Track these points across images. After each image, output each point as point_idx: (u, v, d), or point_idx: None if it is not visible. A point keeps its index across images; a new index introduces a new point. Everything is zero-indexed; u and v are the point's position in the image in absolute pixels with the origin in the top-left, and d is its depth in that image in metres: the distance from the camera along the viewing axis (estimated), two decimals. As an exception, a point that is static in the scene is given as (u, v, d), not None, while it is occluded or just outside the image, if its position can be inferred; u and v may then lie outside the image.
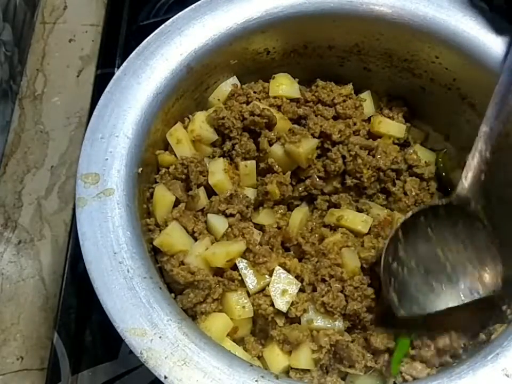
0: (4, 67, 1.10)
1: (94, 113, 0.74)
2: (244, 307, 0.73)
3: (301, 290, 0.75)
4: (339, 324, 0.73)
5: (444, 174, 0.87)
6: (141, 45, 0.78)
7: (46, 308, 0.96)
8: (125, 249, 0.66)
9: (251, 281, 0.74)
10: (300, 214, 0.81)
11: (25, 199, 1.06)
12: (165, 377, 0.59)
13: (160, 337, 0.61)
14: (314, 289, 0.75)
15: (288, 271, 0.75)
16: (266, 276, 0.74)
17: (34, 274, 0.99)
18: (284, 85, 0.86)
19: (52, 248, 1.01)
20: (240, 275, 0.74)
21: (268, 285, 0.74)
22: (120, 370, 0.83)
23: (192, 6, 0.80)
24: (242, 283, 0.74)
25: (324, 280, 0.75)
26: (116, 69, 1.08)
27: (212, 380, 0.59)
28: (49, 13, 1.27)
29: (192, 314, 0.73)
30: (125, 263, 0.65)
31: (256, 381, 0.60)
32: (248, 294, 0.74)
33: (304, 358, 0.72)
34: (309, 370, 0.72)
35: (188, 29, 0.79)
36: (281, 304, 0.72)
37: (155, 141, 0.79)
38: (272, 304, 0.73)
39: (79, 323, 0.88)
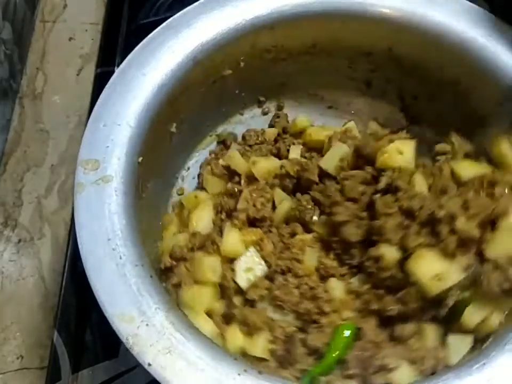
0: (4, 66, 1.10)
1: (98, 102, 0.74)
2: (214, 271, 0.73)
3: (268, 278, 0.75)
4: (290, 319, 0.72)
5: None
6: (147, 37, 0.78)
7: (46, 306, 0.96)
8: (119, 236, 0.66)
9: (226, 244, 0.75)
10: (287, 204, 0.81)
11: (25, 197, 1.06)
12: (149, 364, 0.59)
13: (147, 324, 0.61)
14: (273, 280, 0.75)
15: (262, 252, 0.75)
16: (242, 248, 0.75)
17: (34, 273, 0.99)
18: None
19: (52, 247, 1.01)
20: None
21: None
22: (120, 369, 0.83)
23: (201, 0, 0.81)
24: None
25: (283, 273, 0.75)
26: (115, 67, 1.08)
27: (195, 369, 0.59)
28: (49, 11, 1.27)
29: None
30: (118, 250, 0.65)
31: (239, 374, 0.60)
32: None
33: (260, 346, 0.71)
34: (266, 359, 0.71)
35: (196, 22, 0.79)
36: (242, 279, 0.72)
37: (160, 133, 0.79)
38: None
39: (79, 322, 0.88)
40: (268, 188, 0.83)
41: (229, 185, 0.85)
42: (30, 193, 1.06)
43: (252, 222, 0.80)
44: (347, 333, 0.70)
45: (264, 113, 0.98)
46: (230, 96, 0.92)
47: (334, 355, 0.68)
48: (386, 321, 0.71)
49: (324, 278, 0.75)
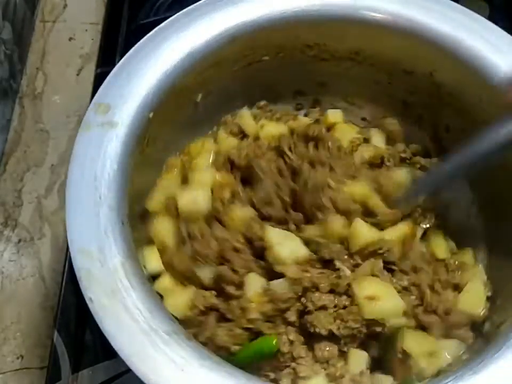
0: (4, 66, 1.10)
1: (129, 52, 0.76)
2: (168, 187, 0.80)
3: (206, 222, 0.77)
4: (208, 274, 0.73)
5: None
6: (189, 7, 0.79)
7: (46, 306, 0.96)
8: (106, 179, 0.68)
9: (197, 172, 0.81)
10: None
11: (25, 197, 1.06)
12: (90, 300, 0.62)
13: (102, 264, 0.64)
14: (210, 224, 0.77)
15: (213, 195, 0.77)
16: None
17: (34, 273, 0.99)
18: None
19: (52, 246, 1.01)
20: None
21: None
22: (120, 369, 0.83)
23: None
24: None
25: (217, 220, 0.76)
26: (115, 67, 1.08)
27: (130, 317, 0.61)
28: (49, 11, 1.27)
29: None
30: (100, 190, 0.67)
31: (168, 334, 0.61)
32: None
33: (177, 305, 0.72)
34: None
35: (242, 2, 0.79)
36: (184, 202, 0.75)
37: (182, 97, 0.80)
38: None
39: (79, 322, 0.88)
40: (265, 147, 0.83)
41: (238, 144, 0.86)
42: (30, 193, 1.06)
43: (231, 168, 0.81)
44: (265, 347, 0.68)
45: (298, 109, 0.96)
46: (262, 83, 0.91)
47: (243, 357, 0.68)
48: (307, 335, 0.71)
49: (250, 243, 0.74)
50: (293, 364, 0.68)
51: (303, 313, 0.70)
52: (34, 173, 1.08)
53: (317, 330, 0.68)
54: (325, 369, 0.68)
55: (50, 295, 0.96)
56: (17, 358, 0.92)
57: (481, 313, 0.74)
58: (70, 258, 0.93)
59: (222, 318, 0.72)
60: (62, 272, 0.93)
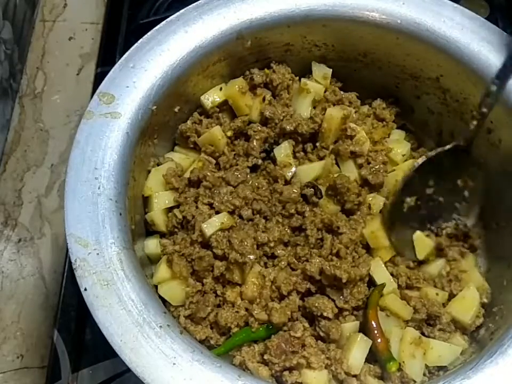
0: (4, 65, 1.10)
1: (136, 44, 0.77)
2: None
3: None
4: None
5: None
6: (199, 1, 0.79)
7: (46, 306, 0.96)
8: (105, 169, 0.69)
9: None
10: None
11: (25, 197, 1.06)
12: (85, 289, 0.63)
13: (97, 254, 0.64)
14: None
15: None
16: None
17: (34, 273, 0.99)
18: None
19: (52, 246, 1.01)
20: None
21: None
22: (120, 368, 0.83)
23: None
24: None
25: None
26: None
27: (123, 308, 0.62)
28: (49, 11, 1.27)
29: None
30: (100, 180, 0.68)
31: (161, 327, 0.62)
32: None
33: (174, 291, 0.74)
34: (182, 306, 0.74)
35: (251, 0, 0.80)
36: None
37: (185, 90, 0.81)
38: None
39: (79, 321, 0.88)
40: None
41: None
42: (30, 193, 1.06)
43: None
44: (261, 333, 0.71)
45: None
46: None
47: (237, 339, 0.71)
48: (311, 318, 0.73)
49: None
50: (301, 353, 0.68)
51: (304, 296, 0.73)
52: (34, 173, 1.08)
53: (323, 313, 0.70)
54: (326, 352, 0.69)
55: (50, 295, 0.97)
56: (18, 357, 0.92)
57: (470, 321, 0.74)
58: (70, 258, 0.94)
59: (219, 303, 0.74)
60: (62, 272, 0.93)
